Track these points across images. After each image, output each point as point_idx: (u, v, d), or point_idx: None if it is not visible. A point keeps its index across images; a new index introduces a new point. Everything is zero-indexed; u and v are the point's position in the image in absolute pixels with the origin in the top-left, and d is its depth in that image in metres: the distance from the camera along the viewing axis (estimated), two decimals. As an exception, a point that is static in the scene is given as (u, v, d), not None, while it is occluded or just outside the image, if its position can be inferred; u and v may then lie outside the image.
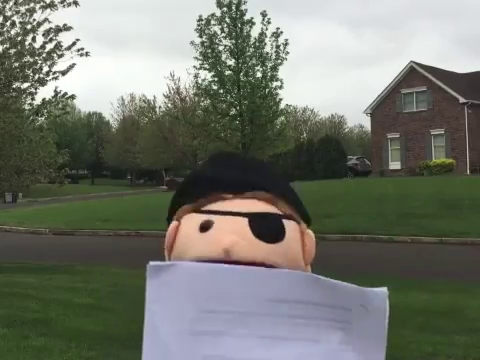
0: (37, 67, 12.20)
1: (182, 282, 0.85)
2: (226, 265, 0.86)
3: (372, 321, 0.86)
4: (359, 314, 0.85)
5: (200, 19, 27.76)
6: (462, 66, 76.52)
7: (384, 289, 0.86)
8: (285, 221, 0.95)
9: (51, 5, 11.96)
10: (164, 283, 0.85)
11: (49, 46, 12.21)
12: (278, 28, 27.43)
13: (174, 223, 0.98)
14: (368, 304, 0.85)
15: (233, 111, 28.85)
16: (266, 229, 0.92)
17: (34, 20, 12.04)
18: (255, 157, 1.22)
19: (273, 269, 0.86)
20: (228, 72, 27.94)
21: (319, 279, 0.85)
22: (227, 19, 27.73)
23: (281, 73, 43.40)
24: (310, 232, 1.00)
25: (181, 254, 0.94)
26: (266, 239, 0.91)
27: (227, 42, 27.99)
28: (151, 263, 0.86)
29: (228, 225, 0.91)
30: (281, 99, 28.41)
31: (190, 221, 0.95)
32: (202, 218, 0.94)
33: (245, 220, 0.92)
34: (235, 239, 0.89)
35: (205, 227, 0.92)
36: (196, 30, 27.86)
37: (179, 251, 0.95)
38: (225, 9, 27.62)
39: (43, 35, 12.13)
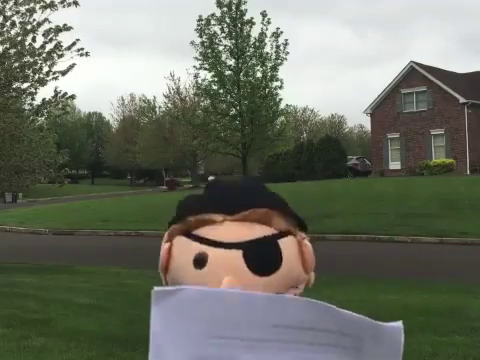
0: (37, 67, 12.19)
1: (189, 307, 0.84)
2: (234, 290, 0.85)
3: (385, 353, 0.84)
4: (370, 344, 0.84)
5: (200, 19, 27.78)
6: (462, 66, 76.63)
7: (399, 324, 0.85)
8: (280, 241, 0.94)
9: (51, 5, 11.96)
10: (170, 308, 0.84)
11: (49, 46, 12.22)
12: (278, 28, 27.46)
13: (166, 245, 0.97)
14: (381, 336, 0.84)
15: (233, 111, 28.87)
16: (262, 262, 0.90)
17: (34, 20, 12.04)
18: (244, 177, 1.20)
19: (282, 295, 0.85)
20: (228, 72, 27.95)
21: (328, 307, 0.83)
22: (227, 19, 27.75)
23: (281, 73, 43.40)
24: (307, 243, 0.98)
25: (177, 283, 0.93)
26: (263, 273, 0.90)
27: (227, 42, 28.02)
28: (156, 288, 0.85)
29: (223, 262, 0.90)
30: (281, 99, 28.45)
31: (182, 248, 0.94)
32: (195, 248, 0.92)
33: (239, 254, 0.90)
34: (232, 281, 0.88)
35: (200, 263, 0.91)
36: (196, 30, 27.88)
37: (174, 277, 0.95)
38: (225, 9, 27.63)
39: (43, 35, 12.13)
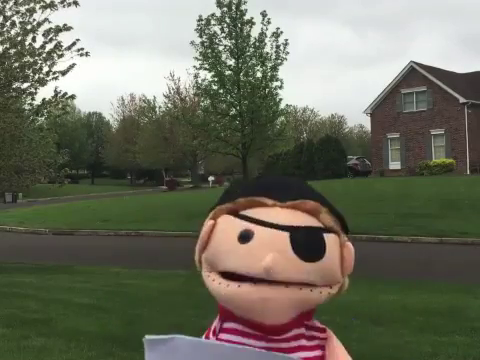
0: (37, 67, 12.19)
1: (179, 355, 0.85)
2: (223, 343, 0.87)
3: None
4: None
5: (200, 19, 27.75)
6: (462, 66, 76.70)
7: None
8: (326, 235, 0.94)
9: (51, 5, 11.95)
10: (162, 356, 0.86)
11: (49, 46, 12.21)
12: (278, 28, 27.42)
13: (210, 222, 0.97)
14: None
15: (233, 111, 28.84)
16: (307, 247, 0.90)
17: (34, 20, 12.03)
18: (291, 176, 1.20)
19: (267, 352, 0.86)
20: (228, 72, 27.92)
21: None
22: (227, 19, 27.72)
23: (282, 73, 43.36)
24: (349, 245, 0.99)
25: (216, 258, 0.94)
26: (306, 258, 0.90)
27: (227, 42, 27.98)
28: (147, 337, 0.87)
29: (269, 239, 0.90)
30: (281, 99, 28.40)
31: (228, 224, 0.95)
32: (241, 225, 0.93)
33: (286, 235, 0.90)
34: (276, 258, 0.88)
35: (245, 237, 0.91)
36: (196, 30, 27.85)
37: (213, 253, 0.95)
38: (225, 9, 27.61)
39: (43, 35, 12.12)
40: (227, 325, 1.00)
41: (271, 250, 0.88)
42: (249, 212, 0.94)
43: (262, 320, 0.92)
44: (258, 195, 0.95)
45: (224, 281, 0.93)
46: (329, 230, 0.95)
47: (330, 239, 0.94)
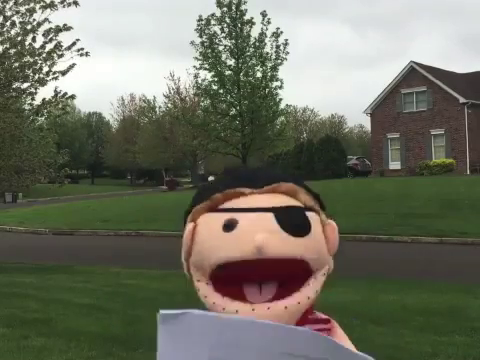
0: (37, 67, 12.19)
1: (194, 330, 0.84)
2: (239, 316, 0.85)
3: None
4: None
5: (200, 19, 27.79)
6: (462, 66, 76.75)
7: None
8: (308, 213, 0.94)
9: (51, 5, 11.95)
10: (176, 330, 0.85)
11: (49, 46, 12.22)
12: (278, 28, 27.48)
13: (190, 225, 0.95)
14: None
15: (233, 111, 28.88)
16: (294, 223, 0.90)
17: (34, 20, 12.04)
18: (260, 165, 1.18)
19: (284, 325, 0.85)
20: (228, 72, 27.96)
21: (333, 342, 0.84)
22: (227, 19, 27.77)
23: (281, 73, 43.38)
24: (332, 222, 0.98)
25: (204, 257, 0.92)
26: (295, 233, 0.89)
27: (227, 42, 28.04)
28: (162, 311, 0.86)
29: (254, 222, 0.89)
30: (281, 99, 28.47)
31: (209, 221, 0.93)
32: (223, 216, 0.91)
33: (270, 215, 0.89)
34: (266, 236, 0.87)
35: (230, 226, 0.89)
36: (196, 30, 27.89)
37: (200, 251, 0.93)
38: (225, 9, 27.65)
39: (43, 35, 12.13)
40: None
41: (259, 231, 0.88)
42: (228, 204, 0.93)
43: None
44: (233, 186, 0.94)
45: (219, 301, 0.91)
46: (310, 209, 0.95)
47: (312, 217, 0.94)
